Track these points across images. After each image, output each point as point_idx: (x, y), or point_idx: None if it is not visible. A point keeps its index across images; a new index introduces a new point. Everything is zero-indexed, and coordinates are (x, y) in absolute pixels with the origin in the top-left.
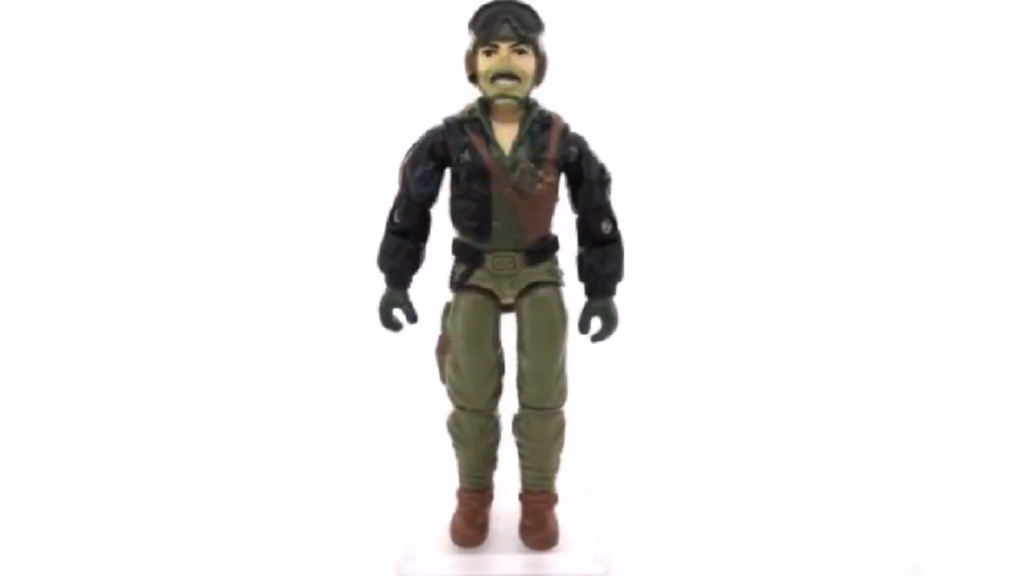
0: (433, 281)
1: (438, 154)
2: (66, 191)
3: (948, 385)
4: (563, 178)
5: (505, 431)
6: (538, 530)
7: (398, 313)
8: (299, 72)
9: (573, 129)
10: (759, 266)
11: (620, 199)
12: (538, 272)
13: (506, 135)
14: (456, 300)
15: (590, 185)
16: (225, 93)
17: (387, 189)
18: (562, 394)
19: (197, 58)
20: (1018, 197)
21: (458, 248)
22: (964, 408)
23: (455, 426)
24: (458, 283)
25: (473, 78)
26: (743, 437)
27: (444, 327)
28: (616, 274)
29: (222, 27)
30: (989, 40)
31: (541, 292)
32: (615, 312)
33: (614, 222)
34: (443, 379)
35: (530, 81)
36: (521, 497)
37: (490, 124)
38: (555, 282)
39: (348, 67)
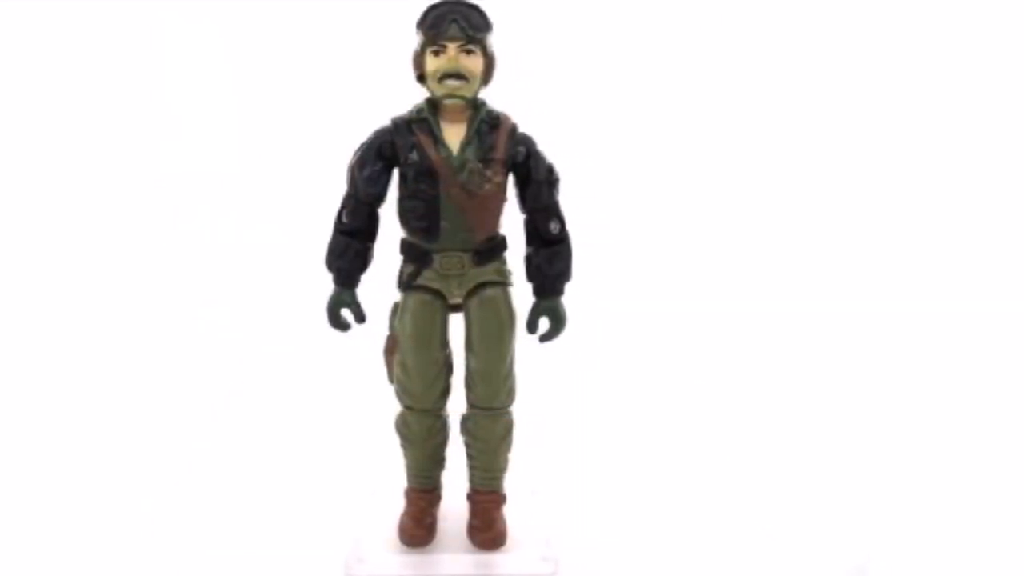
0: (381, 281)
1: (386, 154)
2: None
3: (893, 388)
4: (511, 178)
5: (453, 431)
6: (486, 530)
7: (346, 313)
8: (247, 73)
9: (521, 129)
10: (708, 265)
11: (569, 199)
12: (486, 272)
13: (454, 135)
14: (404, 300)
15: (538, 185)
16: (173, 94)
17: (335, 189)
18: (510, 394)
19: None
20: (1001, 199)
21: (406, 248)
22: (911, 410)
23: (403, 426)
24: (406, 283)
25: (421, 78)
26: (690, 437)
27: (392, 327)
28: (564, 274)
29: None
30: (977, 40)
31: (489, 292)
32: (563, 312)
33: (562, 222)
34: (391, 379)
35: (478, 81)
36: (469, 497)
37: (438, 124)
38: (503, 282)
39: (295, 68)
